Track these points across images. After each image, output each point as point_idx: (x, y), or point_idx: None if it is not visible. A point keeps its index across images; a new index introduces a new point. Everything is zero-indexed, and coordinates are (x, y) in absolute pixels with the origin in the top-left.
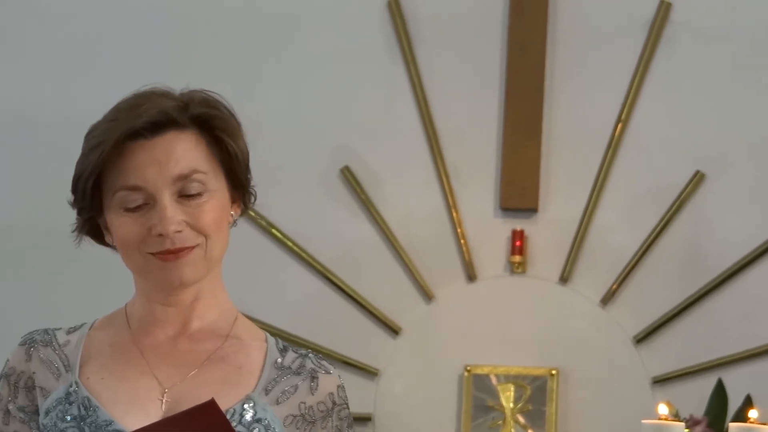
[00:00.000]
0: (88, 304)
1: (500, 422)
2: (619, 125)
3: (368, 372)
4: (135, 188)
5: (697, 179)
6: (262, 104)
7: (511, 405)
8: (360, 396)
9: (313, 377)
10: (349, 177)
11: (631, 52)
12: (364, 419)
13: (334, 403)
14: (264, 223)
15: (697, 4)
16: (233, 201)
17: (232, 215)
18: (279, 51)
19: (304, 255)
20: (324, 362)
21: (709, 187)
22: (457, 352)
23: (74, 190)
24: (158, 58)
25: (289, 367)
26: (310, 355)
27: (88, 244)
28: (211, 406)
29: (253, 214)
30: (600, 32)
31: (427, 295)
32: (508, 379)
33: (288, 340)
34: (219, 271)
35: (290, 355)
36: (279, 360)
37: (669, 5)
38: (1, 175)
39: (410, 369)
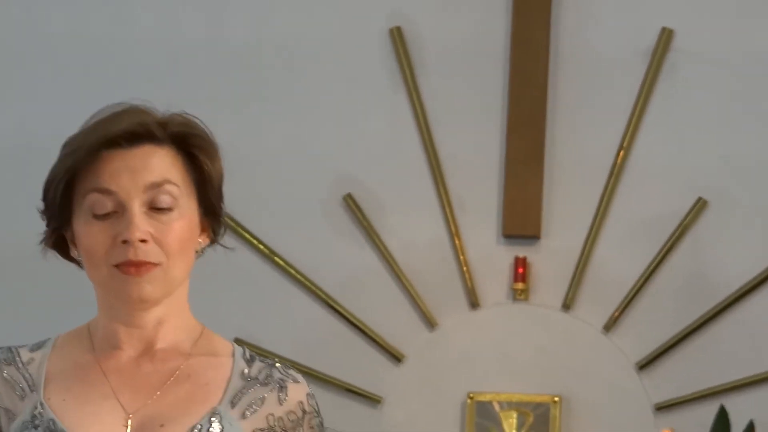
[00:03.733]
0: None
1: None
2: (621, 153)
3: (371, 400)
4: (106, 192)
5: (699, 206)
6: (265, 132)
7: None
8: (363, 424)
9: (282, 387)
10: (351, 205)
11: (633, 80)
12: None
13: (304, 411)
14: (267, 250)
15: (700, 31)
16: (203, 229)
17: (200, 242)
18: (281, 80)
19: (307, 283)
20: (291, 371)
21: (711, 214)
22: (460, 379)
23: (45, 195)
24: (159, 89)
25: (256, 378)
26: (277, 364)
27: (54, 258)
28: None
29: (255, 242)
30: (602, 60)
31: (430, 323)
32: (510, 406)
33: (272, 357)
34: (184, 293)
35: (257, 365)
36: (246, 370)
37: (671, 32)
38: None
39: (413, 396)
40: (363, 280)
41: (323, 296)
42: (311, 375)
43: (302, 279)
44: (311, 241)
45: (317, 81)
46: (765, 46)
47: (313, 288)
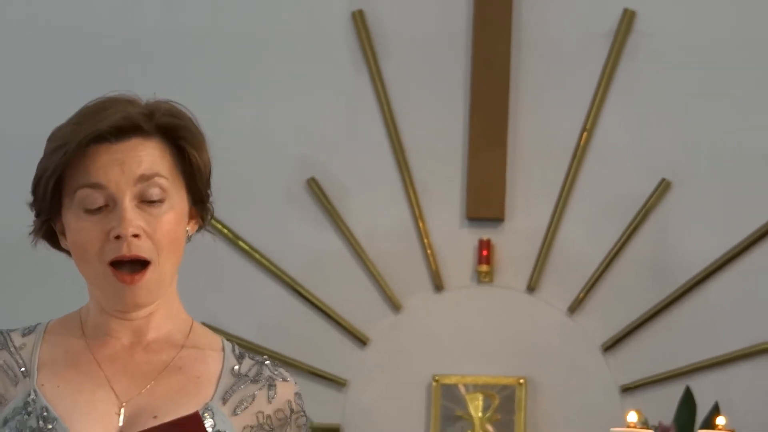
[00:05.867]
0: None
1: None
2: (584, 135)
3: (336, 383)
4: (97, 186)
5: (662, 188)
6: (229, 117)
7: (480, 414)
8: (328, 407)
9: (271, 385)
10: (315, 189)
11: (595, 62)
12: (332, 430)
13: (291, 410)
14: (231, 235)
15: (662, 13)
16: (191, 216)
17: (187, 231)
18: (244, 66)
19: (271, 267)
20: (281, 369)
21: (675, 195)
22: (425, 362)
23: (35, 190)
24: (124, 76)
25: (246, 375)
26: (267, 362)
27: (43, 247)
28: (194, 419)
29: (219, 226)
30: (564, 43)
31: (395, 306)
32: (476, 388)
33: (256, 352)
34: (174, 283)
35: (247, 362)
36: (236, 367)
37: (633, 14)
38: None
39: (378, 379)
40: (327, 263)
41: (288, 280)
42: (276, 359)
43: (266, 263)
44: (275, 225)
45: (280, 65)
46: (725, 27)
47: (278, 272)
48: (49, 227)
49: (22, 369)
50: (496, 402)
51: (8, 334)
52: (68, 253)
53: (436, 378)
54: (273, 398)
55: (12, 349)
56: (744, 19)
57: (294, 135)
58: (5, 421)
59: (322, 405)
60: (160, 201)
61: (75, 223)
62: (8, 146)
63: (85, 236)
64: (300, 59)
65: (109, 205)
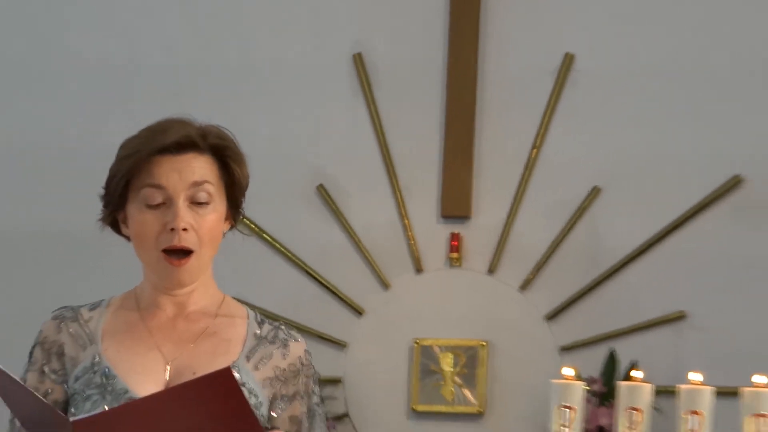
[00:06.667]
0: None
1: (442, 383)
2: (534, 150)
3: (338, 344)
4: (158, 186)
5: (594, 193)
6: (254, 135)
7: (450, 369)
8: (332, 363)
9: (285, 345)
10: (323, 193)
11: (543, 93)
12: (335, 381)
13: (302, 364)
14: (257, 228)
15: (594, 56)
16: (227, 218)
17: (223, 229)
18: (268, 93)
19: (288, 254)
20: (293, 332)
21: (603, 198)
22: (408, 328)
23: (107, 187)
24: (167, 101)
25: (266, 337)
26: (282, 326)
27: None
28: (226, 373)
29: (247, 221)
30: (519, 77)
31: (385, 284)
32: (447, 349)
33: (274, 319)
34: (210, 268)
35: (266, 327)
36: (257, 332)
37: (572, 56)
38: (32, 191)
39: (371, 342)
40: (332, 251)
41: (301, 264)
42: (292, 325)
43: (285, 251)
44: (292, 221)
45: (296, 94)
46: (643, 65)
47: (293, 257)
48: (113, 217)
49: (89, 337)
50: (463, 360)
51: (78, 309)
52: (127, 238)
53: (417, 341)
54: (287, 355)
55: (81, 321)
56: (656, 56)
57: (306, 150)
58: (76, 379)
59: (327, 362)
60: (207, 203)
61: (138, 215)
62: (80, 157)
63: (146, 227)
64: (312, 89)
65: (166, 203)
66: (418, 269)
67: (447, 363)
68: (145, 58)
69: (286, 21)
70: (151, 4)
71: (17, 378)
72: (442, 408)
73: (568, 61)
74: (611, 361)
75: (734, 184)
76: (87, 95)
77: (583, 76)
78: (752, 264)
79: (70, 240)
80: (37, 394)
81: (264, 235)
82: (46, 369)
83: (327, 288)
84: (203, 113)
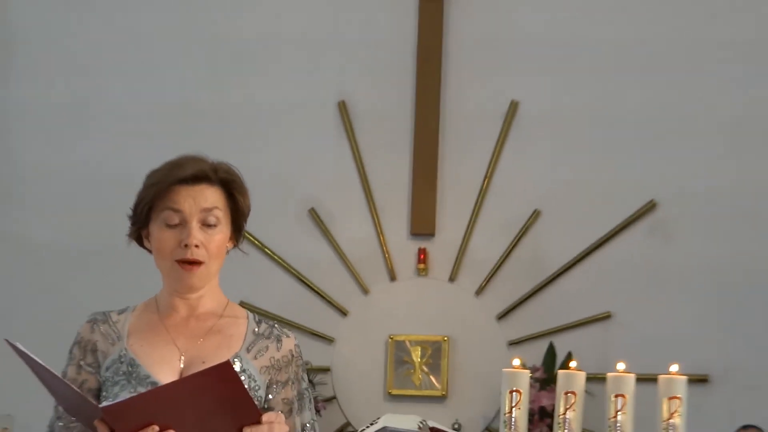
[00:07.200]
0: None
1: (412, 371)
2: (486, 180)
3: (327, 339)
4: (176, 210)
5: (535, 214)
6: (258, 168)
7: (419, 360)
8: (322, 355)
9: (278, 340)
10: (314, 215)
11: (493, 132)
12: (325, 370)
13: (293, 355)
14: (259, 243)
15: (532, 102)
16: (230, 239)
17: (227, 247)
18: (268, 133)
19: (284, 264)
20: (285, 329)
21: (543, 219)
22: (385, 326)
23: (135, 208)
24: (180, 139)
25: (263, 334)
26: (276, 325)
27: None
28: (226, 365)
29: (251, 237)
30: (474, 117)
31: (364, 290)
32: (416, 343)
33: (272, 319)
34: (217, 278)
35: (263, 326)
36: (256, 329)
37: (517, 103)
38: (68, 210)
39: (354, 338)
40: (321, 262)
41: (295, 273)
42: (285, 323)
43: (282, 262)
44: (289, 238)
45: (291, 135)
46: (575, 110)
47: (289, 268)
48: (138, 234)
49: (117, 336)
50: (429, 352)
51: (108, 314)
52: (149, 250)
53: (391, 336)
54: (280, 348)
55: (111, 323)
56: (585, 102)
57: (300, 180)
58: (107, 369)
59: (317, 354)
60: (215, 225)
61: (158, 233)
62: (120, 182)
63: (164, 243)
64: (305, 130)
65: (182, 224)
66: (392, 278)
67: (416, 355)
68: (166, 107)
69: (283, 75)
70: (174, 62)
71: (57, 373)
72: (413, 392)
73: (514, 106)
74: (551, 353)
75: (650, 207)
76: (121, 134)
77: (525, 118)
78: (666, 271)
79: (104, 256)
80: (73, 386)
81: (265, 249)
82: (82, 363)
83: (317, 293)
84: (214, 151)
